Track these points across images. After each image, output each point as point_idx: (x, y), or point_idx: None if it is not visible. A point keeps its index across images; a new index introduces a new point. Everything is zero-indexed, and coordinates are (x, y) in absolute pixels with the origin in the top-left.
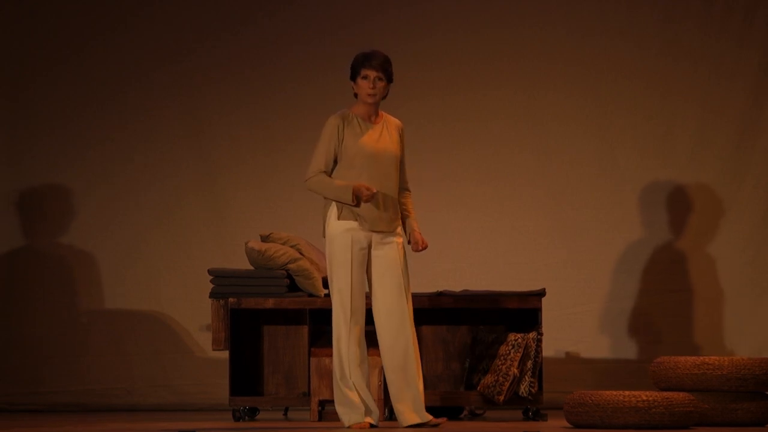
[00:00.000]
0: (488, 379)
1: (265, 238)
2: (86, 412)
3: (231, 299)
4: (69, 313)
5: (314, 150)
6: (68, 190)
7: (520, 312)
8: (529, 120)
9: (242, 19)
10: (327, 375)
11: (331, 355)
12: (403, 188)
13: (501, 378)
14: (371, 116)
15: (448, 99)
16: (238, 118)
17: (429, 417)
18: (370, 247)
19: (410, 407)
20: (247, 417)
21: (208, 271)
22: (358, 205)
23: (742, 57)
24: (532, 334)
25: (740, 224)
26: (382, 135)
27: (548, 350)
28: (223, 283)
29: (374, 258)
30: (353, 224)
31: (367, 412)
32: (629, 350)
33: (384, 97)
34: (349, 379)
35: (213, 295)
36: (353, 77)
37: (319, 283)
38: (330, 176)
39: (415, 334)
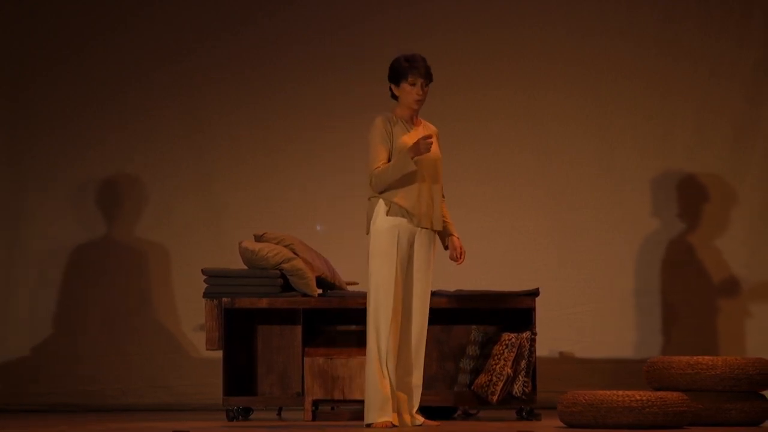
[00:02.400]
0: (482, 378)
1: (258, 238)
2: (81, 413)
3: (225, 299)
4: (63, 314)
5: (369, 154)
6: (67, 190)
7: (515, 312)
8: (529, 120)
9: (241, 19)
10: (320, 375)
11: (324, 355)
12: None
13: (495, 378)
14: (413, 119)
15: (447, 99)
16: (236, 119)
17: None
18: (413, 243)
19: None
20: (240, 417)
21: (202, 270)
22: (421, 153)
23: (741, 57)
24: (526, 334)
25: (738, 225)
26: (428, 136)
27: (542, 350)
28: (217, 282)
29: (414, 255)
30: (402, 220)
31: (393, 409)
32: (624, 350)
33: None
34: (385, 368)
35: (207, 294)
36: (396, 81)
37: (313, 283)
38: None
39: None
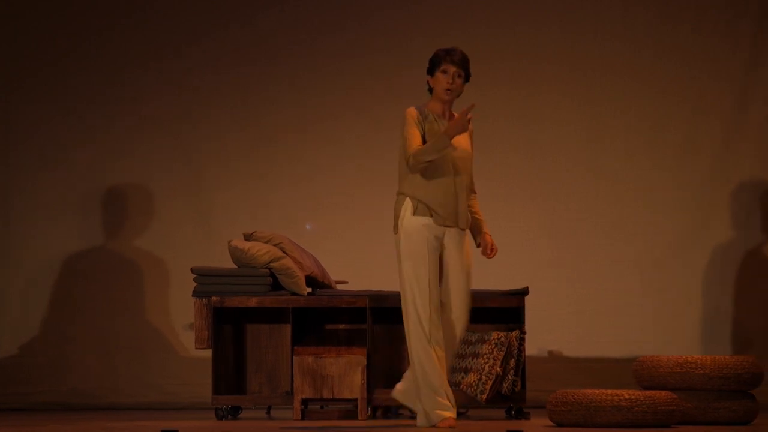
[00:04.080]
0: (471, 377)
1: (248, 237)
2: (70, 411)
3: (214, 298)
4: (52, 314)
5: (404, 140)
6: (54, 190)
7: (504, 311)
8: (520, 120)
9: (228, 19)
10: (310, 373)
11: (314, 354)
12: (471, 190)
13: (484, 377)
14: (445, 113)
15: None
16: (224, 118)
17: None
18: (443, 242)
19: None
20: (230, 416)
21: (191, 269)
22: (459, 132)
23: (733, 58)
24: (515, 333)
25: (726, 225)
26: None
27: (531, 349)
28: (206, 281)
29: (446, 254)
30: (428, 220)
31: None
32: (613, 349)
33: (458, 95)
34: (434, 362)
35: (196, 293)
36: (431, 71)
37: (302, 282)
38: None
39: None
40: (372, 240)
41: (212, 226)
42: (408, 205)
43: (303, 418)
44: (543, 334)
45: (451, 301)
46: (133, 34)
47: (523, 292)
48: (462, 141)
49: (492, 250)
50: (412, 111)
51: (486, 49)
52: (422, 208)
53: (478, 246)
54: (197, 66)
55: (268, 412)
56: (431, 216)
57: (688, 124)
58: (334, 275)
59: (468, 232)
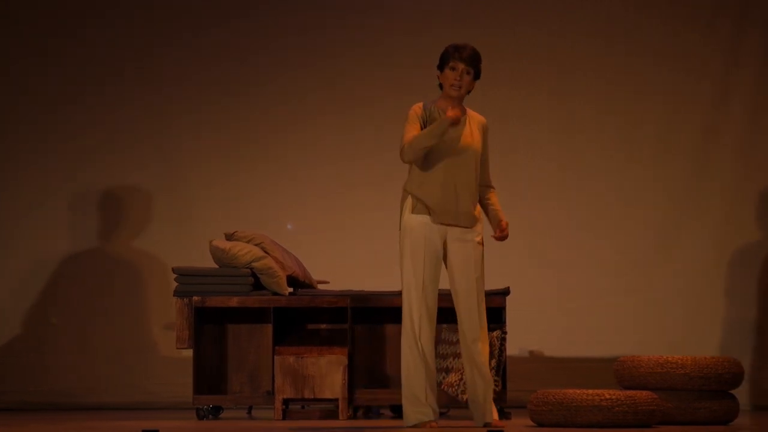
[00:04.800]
0: (452, 377)
1: (229, 237)
2: (51, 411)
3: (195, 298)
4: (32, 312)
5: (402, 133)
6: (32, 190)
7: (485, 310)
8: (496, 118)
9: (206, 18)
10: (291, 373)
11: (295, 354)
12: (485, 185)
13: (464, 377)
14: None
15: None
16: (203, 118)
17: (493, 418)
18: (446, 242)
19: (483, 408)
20: (211, 415)
21: (173, 269)
22: (451, 124)
23: (710, 57)
24: (497, 333)
25: (704, 223)
26: (463, 130)
27: (512, 349)
28: (188, 281)
29: (449, 254)
30: (426, 218)
31: (433, 412)
32: (594, 349)
33: (468, 92)
34: (420, 364)
35: (177, 293)
36: (441, 67)
37: (284, 282)
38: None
39: (484, 332)
40: (353, 240)
41: (193, 226)
42: (408, 202)
43: (284, 418)
44: (524, 334)
45: (456, 303)
46: (108, 33)
47: (505, 292)
48: (469, 139)
49: (502, 230)
50: (415, 107)
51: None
52: (420, 206)
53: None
54: (174, 65)
55: (249, 412)
56: (429, 214)
57: (664, 122)
58: (315, 275)
59: (478, 231)
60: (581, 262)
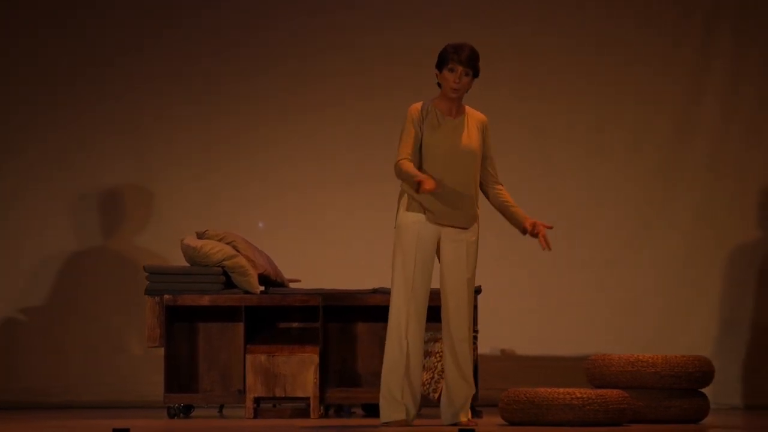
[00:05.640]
0: (424, 376)
1: (201, 235)
2: (22, 410)
3: (167, 296)
4: (3, 311)
5: (400, 138)
6: (2, 190)
7: None
8: None
9: (178, 15)
10: (262, 372)
11: (266, 353)
12: (492, 182)
13: (436, 375)
14: (452, 110)
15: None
16: (174, 117)
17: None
18: (440, 241)
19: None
20: (182, 414)
21: (144, 267)
22: (418, 191)
23: (680, 55)
24: None
25: (675, 222)
26: (461, 130)
27: (483, 347)
28: (159, 280)
29: (442, 252)
30: (421, 217)
31: (408, 411)
32: (565, 347)
33: (467, 91)
34: (402, 362)
35: (148, 292)
36: (440, 67)
37: (255, 280)
38: (413, 163)
39: (470, 333)
40: (325, 239)
41: (165, 225)
42: (404, 200)
43: (255, 416)
44: (495, 333)
45: (444, 302)
46: (82, 31)
47: (476, 291)
48: (466, 140)
49: (534, 231)
50: (413, 109)
51: (428, 45)
52: (416, 204)
53: (525, 232)
54: (148, 64)
55: (221, 411)
56: (424, 213)
57: (635, 120)
58: (287, 274)
59: (474, 231)
60: (552, 261)
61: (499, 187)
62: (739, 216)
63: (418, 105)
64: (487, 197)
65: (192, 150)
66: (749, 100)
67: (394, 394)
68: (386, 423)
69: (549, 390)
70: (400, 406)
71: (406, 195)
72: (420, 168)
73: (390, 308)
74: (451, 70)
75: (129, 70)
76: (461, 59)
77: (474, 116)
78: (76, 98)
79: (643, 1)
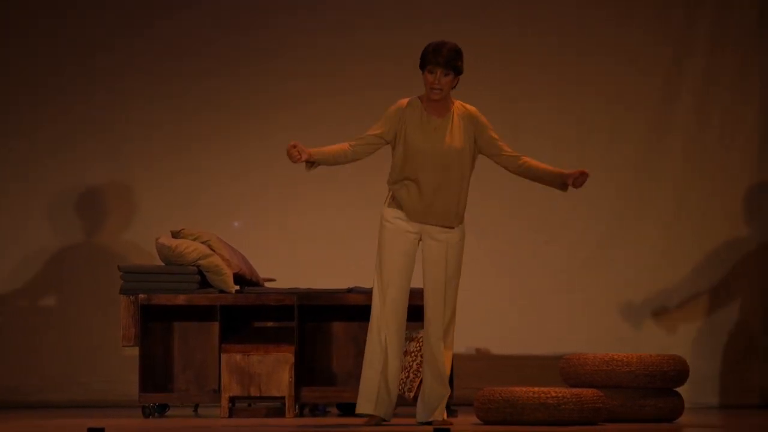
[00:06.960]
0: (401, 375)
1: (176, 234)
2: None
3: (141, 295)
4: None
5: None
6: None
7: None
8: None
9: (155, 12)
10: (237, 371)
11: (242, 352)
12: (514, 160)
13: (411, 375)
14: (438, 108)
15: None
16: (151, 114)
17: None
18: (422, 238)
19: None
20: (156, 414)
21: (118, 267)
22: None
23: (659, 53)
24: None
25: (651, 221)
26: (444, 130)
27: (458, 347)
28: (134, 279)
29: (424, 250)
30: (401, 213)
31: (379, 407)
32: (540, 346)
33: (454, 87)
34: (380, 356)
35: (123, 291)
36: (422, 67)
37: (230, 279)
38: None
39: (448, 335)
40: (301, 238)
41: (140, 224)
42: (388, 195)
43: (230, 416)
44: (471, 332)
45: (425, 300)
46: (58, 29)
47: None
48: (449, 138)
49: (578, 177)
50: (394, 106)
51: (403, 44)
52: (396, 201)
53: (566, 184)
54: (123, 62)
55: (196, 410)
56: (402, 210)
57: (612, 119)
58: (262, 273)
59: (460, 232)
60: (527, 260)
61: (523, 159)
62: (715, 215)
63: (403, 102)
64: (521, 174)
65: (169, 149)
66: (724, 98)
67: (371, 390)
68: (360, 414)
69: (524, 389)
70: (372, 403)
71: (389, 191)
72: (400, 165)
73: (372, 304)
74: (431, 72)
75: (106, 70)
76: (439, 61)
77: (462, 112)
78: (53, 98)
79: (622, 2)
